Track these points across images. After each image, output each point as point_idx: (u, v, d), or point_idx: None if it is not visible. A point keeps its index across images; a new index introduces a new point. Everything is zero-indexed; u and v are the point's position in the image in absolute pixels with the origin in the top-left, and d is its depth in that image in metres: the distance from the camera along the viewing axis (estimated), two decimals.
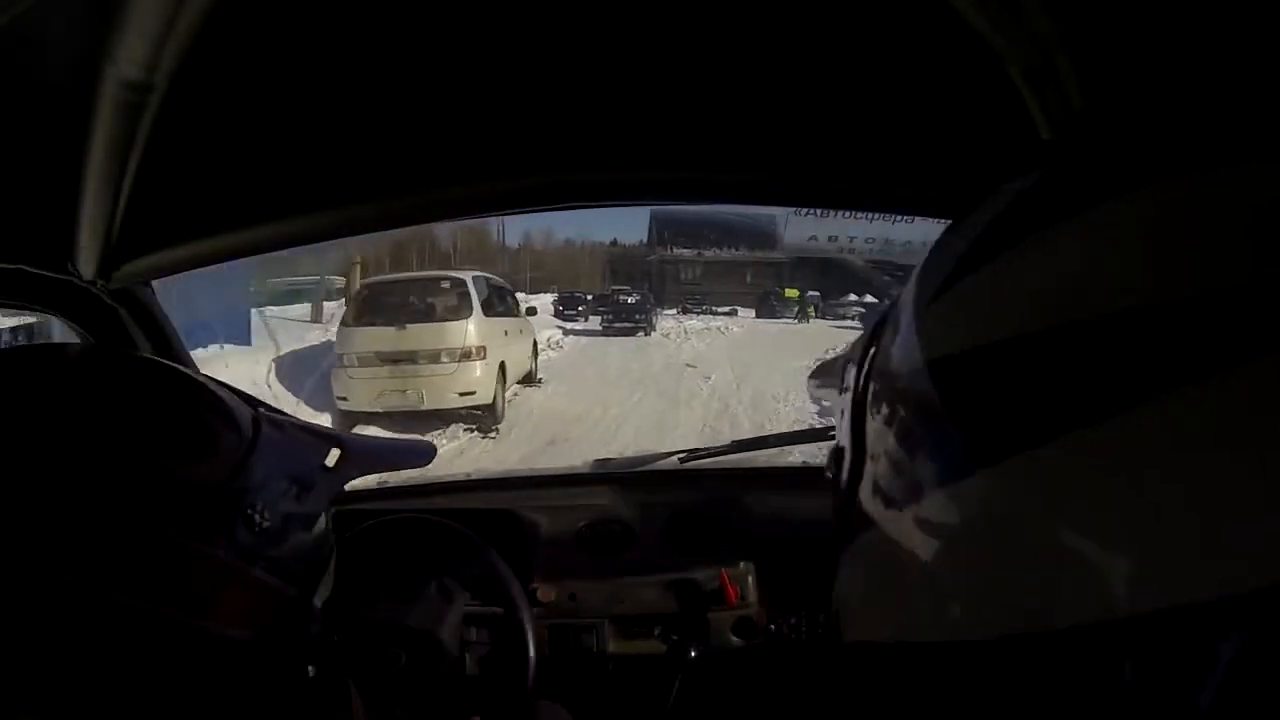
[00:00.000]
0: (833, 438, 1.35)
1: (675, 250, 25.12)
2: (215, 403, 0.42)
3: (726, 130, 0.68)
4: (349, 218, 0.75)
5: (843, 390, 0.40)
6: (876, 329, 0.36)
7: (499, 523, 1.12)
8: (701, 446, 1.30)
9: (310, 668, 0.45)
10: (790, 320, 16.86)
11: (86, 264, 0.73)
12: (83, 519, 0.34)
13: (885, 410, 0.32)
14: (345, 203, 0.73)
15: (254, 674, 0.40)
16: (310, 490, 0.43)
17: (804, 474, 1.28)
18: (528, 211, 0.77)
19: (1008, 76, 0.49)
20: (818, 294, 21.18)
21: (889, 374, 0.32)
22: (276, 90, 0.60)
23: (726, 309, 19.69)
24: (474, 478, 1.39)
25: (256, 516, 0.39)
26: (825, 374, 0.52)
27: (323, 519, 0.45)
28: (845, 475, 0.35)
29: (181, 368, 0.43)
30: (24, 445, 0.34)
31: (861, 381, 0.35)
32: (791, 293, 20.32)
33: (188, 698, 0.37)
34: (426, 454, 0.58)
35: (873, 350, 0.35)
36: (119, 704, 0.35)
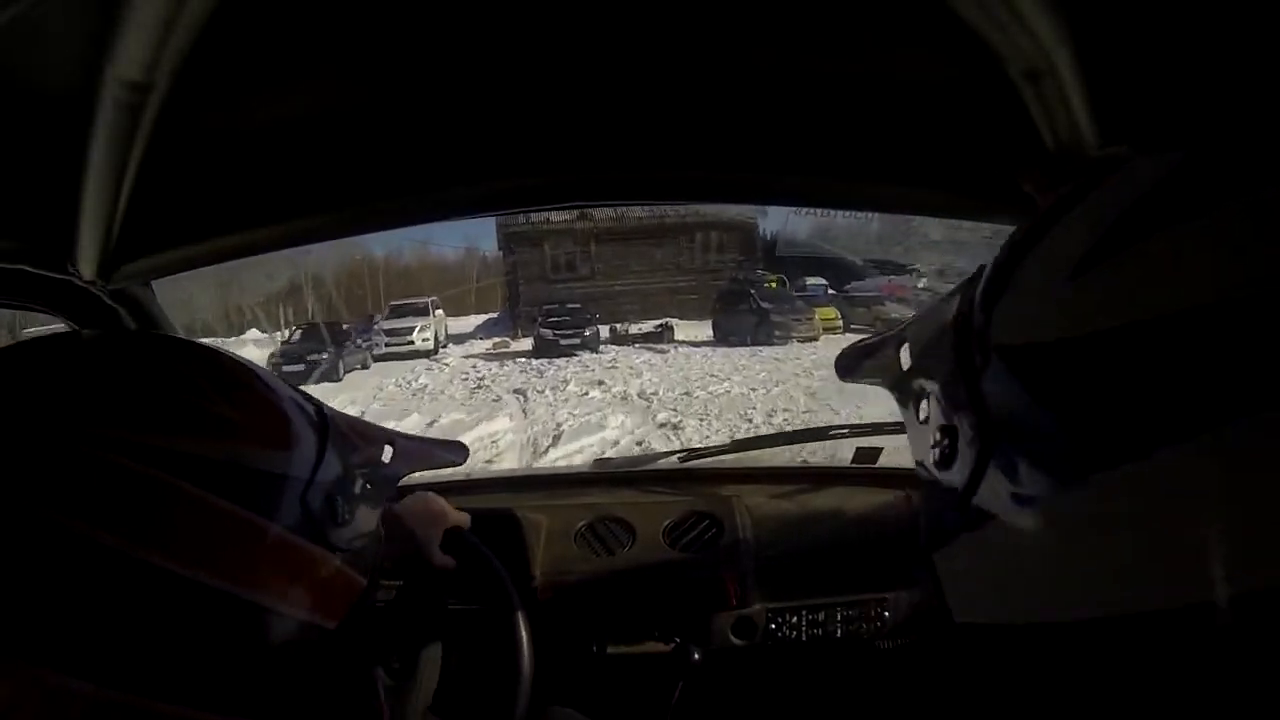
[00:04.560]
0: (832, 437, 1.35)
1: (531, 220, 14.04)
2: (289, 397, 0.42)
3: (728, 130, 0.68)
4: (349, 218, 0.75)
5: (917, 373, 0.39)
6: (972, 300, 0.34)
7: (498, 523, 1.12)
8: (701, 446, 1.31)
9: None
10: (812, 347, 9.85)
11: (86, 264, 0.72)
12: (178, 506, 0.34)
13: (1012, 387, 0.31)
14: (345, 203, 0.73)
15: (338, 662, 0.40)
16: (374, 485, 0.44)
17: (804, 474, 1.28)
18: (528, 211, 0.77)
19: (1007, 77, 0.49)
20: (823, 282, 13.66)
21: (1015, 351, 0.31)
22: (277, 90, 0.60)
23: (652, 326, 12.53)
24: (473, 478, 1.39)
25: (341, 510, 0.39)
26: (864, 358, 0.49)
27: (377, 515, 0.45)
28: (968, 459, 0.33)
29: (252, 364, 0.42)
30: (117, 427, 0.34)
31: (969, 358, 0.33)
32: (772, 282, 12.90)
33: (283, 684, 0.37)
34: (461, 453, 0.62)
35: (974, 323, 0.33)
36: (228, 689, 0.35)
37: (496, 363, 11.00)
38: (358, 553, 0.41)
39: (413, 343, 12.54)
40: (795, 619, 1.05)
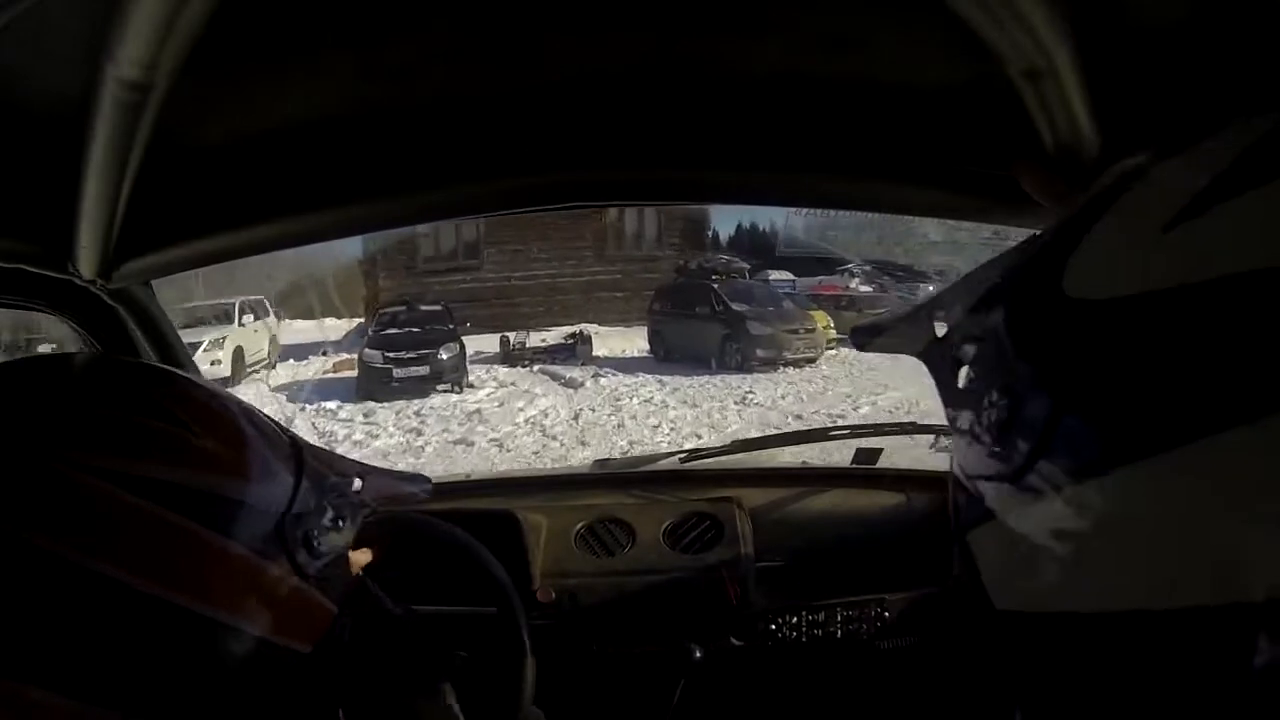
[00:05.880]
0: (832, 438, 1.35)
1: None
2: (266, 427, 0.43)
3: (730, 130, 0.68)
4: (349, 217, 0.75)
5: (958, 337, 0.38)
6: (1034, 255, 0.33)
7: (498, 524, 1.12)
8: (702, 447, 1.31)
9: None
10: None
11: (86, 264, 0.73)
12: (157, 532, 0.35)
13: (1085, 345, 0.28)
14: (346, 202, 0.73)
15: (314, 685, 0.42)
16: (344, 517, 0.46)
17: (804, 475, 1.28)
18: (528, 211, 0.77)
19: (1007, 77, 0.49)
20: (793, 279, 10.31)
21: (1089, 305, 0.28)
22: (277, 90, 0.60)
23: (561, 336, 8.63)
24: (473, 479, 1.39)
25: (316, 542, 0.41)
26: (886, 330, 0.48)
27: (348, 544, 0.47)
28: (1033, 426, 0.30)
29: (230, 395, 0.43)
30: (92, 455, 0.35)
31: (1034, 313, 0.31)
32: (736, 273, 9.04)
33: (263, 704, 0.39)
34: (425, 484, 0.64)
35: (1040, 277, 0.31)
36: (212, 709, 0.36)
37: (296, 407, 6.48)
38: (329, 580, 0.43)
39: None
40: (795, 619, 1.05)
